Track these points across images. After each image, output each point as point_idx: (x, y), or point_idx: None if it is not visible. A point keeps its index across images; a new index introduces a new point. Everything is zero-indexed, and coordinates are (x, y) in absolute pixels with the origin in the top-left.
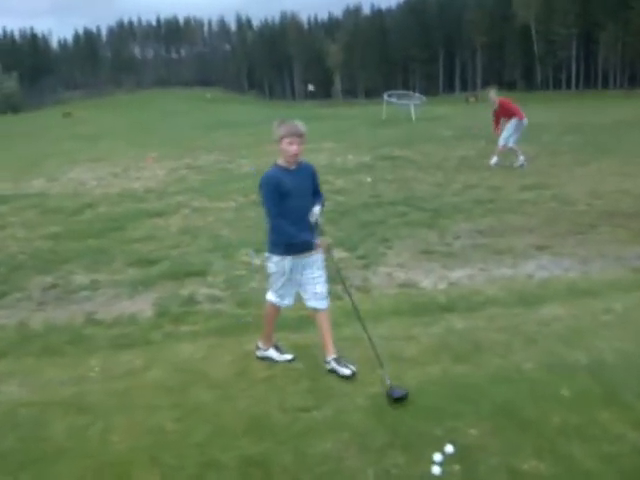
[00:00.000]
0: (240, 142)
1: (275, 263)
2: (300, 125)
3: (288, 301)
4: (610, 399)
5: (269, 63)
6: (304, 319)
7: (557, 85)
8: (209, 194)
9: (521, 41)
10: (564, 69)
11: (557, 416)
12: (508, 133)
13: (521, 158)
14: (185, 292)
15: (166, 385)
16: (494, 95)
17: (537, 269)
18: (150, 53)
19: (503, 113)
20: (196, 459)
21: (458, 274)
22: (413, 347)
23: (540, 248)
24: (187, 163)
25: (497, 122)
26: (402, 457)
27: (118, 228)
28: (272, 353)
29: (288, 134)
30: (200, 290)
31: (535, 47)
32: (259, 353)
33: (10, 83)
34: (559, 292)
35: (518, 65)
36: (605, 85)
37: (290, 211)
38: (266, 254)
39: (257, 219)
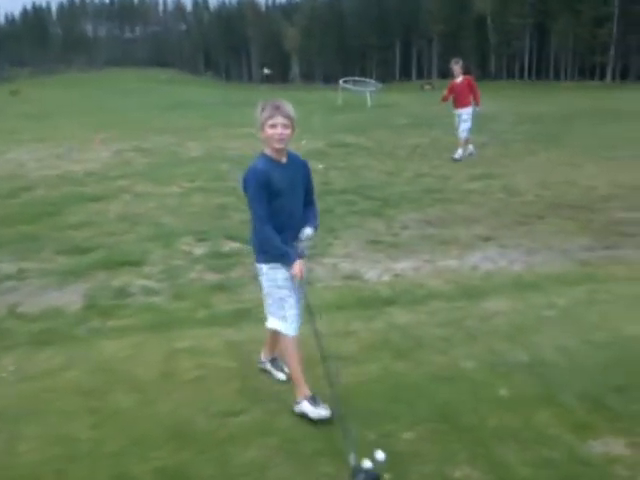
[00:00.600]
0: (192, 124)
1: (267, 275)
2: (286, 105)
3: (296, 322)
4: (548, 400)
5: (226, 45)
6: (239, 313)
7: (511, 75)
8: (153, 178)
9: (477, 31)
10: (518, 59)
11: (494, 418)
12: (469, 124)
13: (471, 147)
14: (118, 283)
15: (84, 388)
16: (459, 69)
17: (482, 261)
18: (103, 32)
19: (464, 92)
20: (108, 471)
21: (403, 265)
22: (353, 343)
23: (486, 239)
24: (135, 145)
25: (447, 98)
26: (332, 465)
27: (53, 213)
28: (305, 407)
29: (271, 115)
30: (134, 281)
31: (490, 37)
32: (296, 409)
33: None
34: (503, 285)
35: (473, 54)
36: (557, 76)
37: (278, 213)
38: (257, 265)
39: (202, 206)
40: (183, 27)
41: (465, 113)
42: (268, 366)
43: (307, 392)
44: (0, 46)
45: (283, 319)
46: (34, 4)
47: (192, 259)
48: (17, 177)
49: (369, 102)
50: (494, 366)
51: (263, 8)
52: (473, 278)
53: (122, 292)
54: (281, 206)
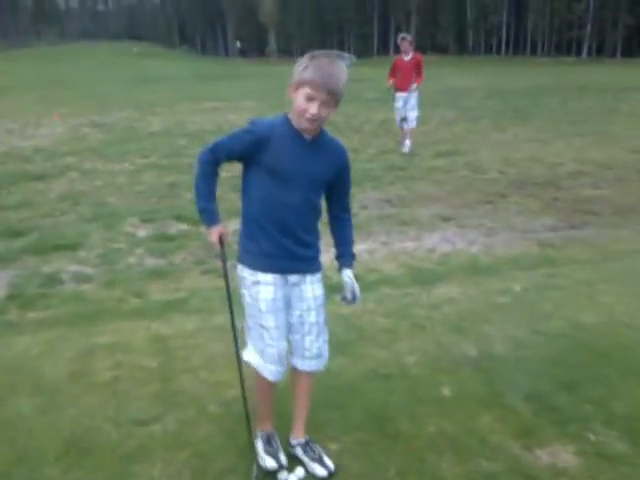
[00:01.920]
0: (159, 99)
1: (247, 287)
2: (339, 75)
3: (276, 364)
4: (493, 400)
5: (201, 18)
6: (173, 303)
7: (488, 50)
8: (105, 155)
9: (455, 5)
10: (495, 34)
11: (432, 424)
12: (417, 113)
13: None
14: (49, 269)
15: None
16: (408, 45)
17: (440, 242)
18: (75, 3)
19: (410, 72)
20: None
21: (358, 248)
22: None
23: (446, 219)
24: (93, 120)
25: (392, 77)
26: None
27: None
28: (258, 445)
29: (311, 82)
30: (67, 267)
31: (468, 11)
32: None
33: None
34: (458, 269)
35: (451, 29)
36: (534, 52)
37: (275, 205)
38: (238, 266)
39: (153, 184)
40: (157, 0)
41: (413, 97)
42: (300, 452)
43: (268, 428)
44: None
45: (260, 353)
46: None
47: (134, 242)
48: None
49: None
50: (439, 361)
51: None
52: (428, 261)
53: (51, 279)
54: (283, 197)
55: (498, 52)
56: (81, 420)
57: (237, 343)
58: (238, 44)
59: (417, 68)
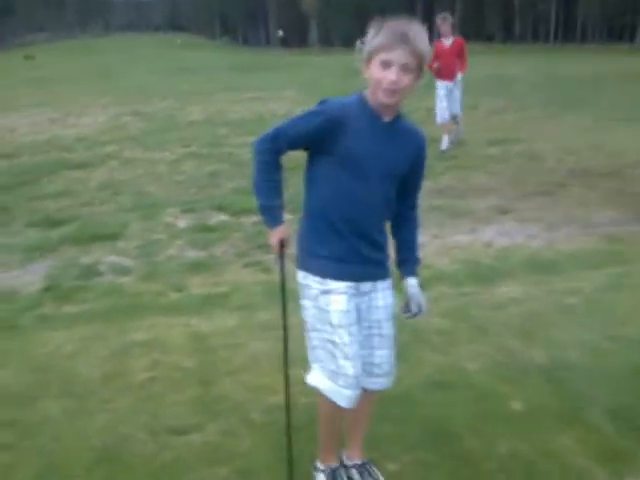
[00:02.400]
0: (198, 89)
1: (312, 298)
2: (418, 33)
3: (352, 388)
4: (572, 417)
5: (243, 9)
6: (213, 298)
7: (536, 38)
8: (145, 144)
9: None
10: (543, 22)
11: (503, 444)
12: (445, 103)
13: (446, 137)
14: (87, 260)
15: (11, 392)
16: (448, 28)
17: (497, 236)
18: None
19: (452, 58)
20: None
21: None
22: None
23: (503, 211)
24: (134, 109)
25: (434, 65)
26: None
27: (31, 181)
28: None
29: (387, 44)
30: (106, 258)
31: None
32: (314, 473)
33: None
34: (519, 266)
35: (497, 17)
36: (584, 38)
37: (349, 202)
38: (299, 272)
39: (193, 173)
40: None
41: (457, 88)
42: (356, 476)
43: (334, 461)
44: (16, 11)
45: (333, 376)
46: None
47: (174, 233)
48: (4, 143)
49: None
50: (504, 369)
51: None
52: (485, 257)
53: (89, 271)
54: (358, 191)
55: (547, 40)
56: (113, 427)
57: (287, 344)
58: (280, 33)
59: (460, 54)
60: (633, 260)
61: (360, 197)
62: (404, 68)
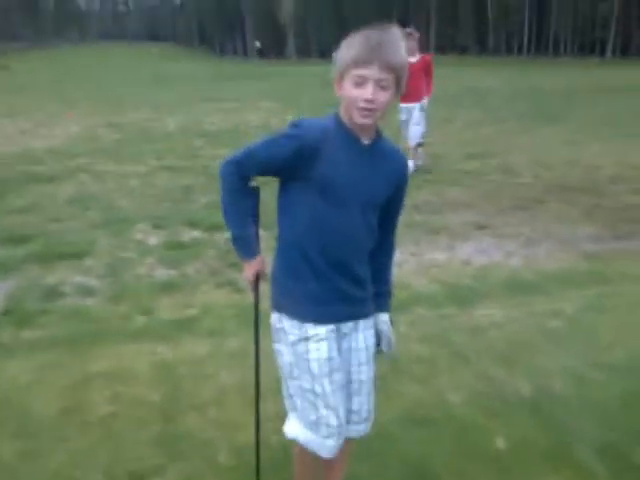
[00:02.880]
0: (175, 99)
1: (288, 343)
2: (394, 43)
3: (334, 437)
4: (559, 454)
5: (220, 19)
6: (183, 323)
7: (510, 50)
8: (118, 156)
9: (476, 5)
10: (517, 35)
11: None
12: (422, 128)
13: (420, 150)
14: (52, 280)
15: None
16: (415, 44)
17: (475, 253)
18: (96, 5)
19: (419, 76)
20: None
21: None
22: None
23: (480, 227)
24: (108, 120)
25: (418, 80)
26: None
27: None
28: None
29: (360, 58)
30: (71, 278)
31: (489, 11)
32: None
33: None
34: (498, 286)
35: (471, 30)
36: (556, 52)
37: (327, 231)
38: (273, 314)
39: (167, 187)
40: (177, 1)
41: (418, 108)
42: None
43: None
44: None
45: (313, 427)
46: None
47: (144, 250)
48: None
49: None
50: (487, 401)
51: None
52: (464, 276)
53: (53, 292)
54: (338, 220)
55: (520, 52)
56: (69, 471)
57: (258, 377)
58: (257, 44)
59: (426, 72)
60: (613, 280)
61: (339, 227)
62: (380, 84)
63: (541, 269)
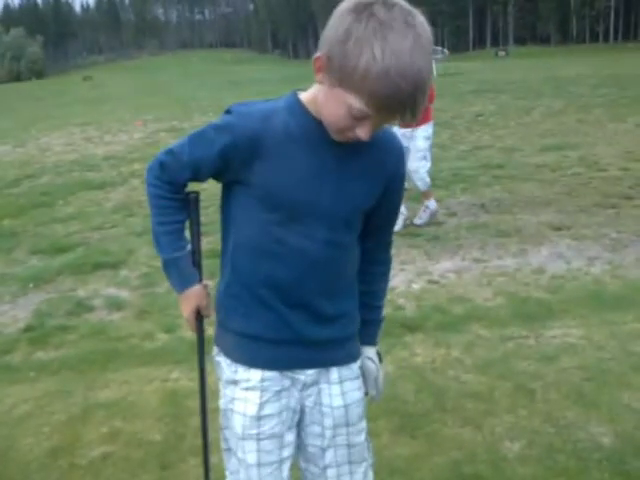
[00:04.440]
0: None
1: (224, 381)
2: (419, 83)
3: None
4: None
5: (293, 22)
6: (209, 342)
7: (594, 38)
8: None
9: None
10: (602, 21)
11: None
12: (428, 163)
13: (432, 203)
14: (84, 293)
15: None
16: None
17: (551, 259)
18: (173, 15)
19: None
20: None
21: (443, 267)
22: None
23: (557, 228)
24: (172, 125)
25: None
26: None
27: (45, 204)
28: None
29: (374, 95)
30: (103, 290)
31: None
32: None
33: (34, 49)
34: (578, 299)
35: (552, 18)
36: None
37: (275, 255)
38: (214, 344)
39: (214, 192)
40: (251, 7)
41: (422, 137)
42: None
43: None
44: (77, 35)
45: None
46: None
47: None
48: (32, 163)
49: (435, 71)
50: (555, 455)
51: None
52: (535, 287)
53: (81, 306)
54: (291, 240)
55: (606, 40)
56: None
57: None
58: None
59: None
60: None
61: (291, 252)
62: (384, 121)
63: (629, 278)
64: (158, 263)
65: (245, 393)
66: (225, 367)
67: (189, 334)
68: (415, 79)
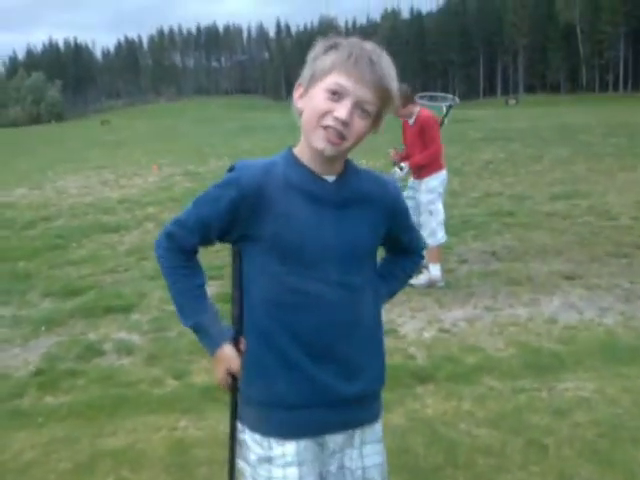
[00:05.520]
0: (257, 147)
1: (252, 461)
2: (381, 64)
3: None
4: None
5: None
6: (211, 391)
7: (604, 87)
8: (186, 204)
9: (565, 41)
10: (611, 70)
11: None
12: (441, 216)
13: (437, 270)
14: (94, 337)
15: None
16: (407, 100)
17: (563, 309)
18: (190, 61)
19: (416, 142)
20: None
21: (455, 315)
22: None
23: (569, 277)
24: (187, 169)
25: (414, 149)
26: None
27: (60, 247)
28: None
29: (340, 64)
30: (114, 334)
31: (580, 47)
32: None
33: (53, 92)
34: (590, 351)
35: (562, 67)
36: None
37: (295, 307)
38: (239, 425)
39: None
40: (266, 55)
41: (425, 190)
42: None
43: None
44: (97, 79)
45: None
46: (126, 37)
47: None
48: (48, 205)
49: (445, 118)
50: None
51: (343, 30)
52: (548, 338)
53: (92, 350)
54: (308, 288)
55: (615, 89)
56: None
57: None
58: None
59: (421, 138)
60: None
61: (309, 295)
62: (361, 107)
63: None
64: (170, 307)
65: (283, 471)
66: (253, 444)
67: (198, 381)
68: (370, 67)
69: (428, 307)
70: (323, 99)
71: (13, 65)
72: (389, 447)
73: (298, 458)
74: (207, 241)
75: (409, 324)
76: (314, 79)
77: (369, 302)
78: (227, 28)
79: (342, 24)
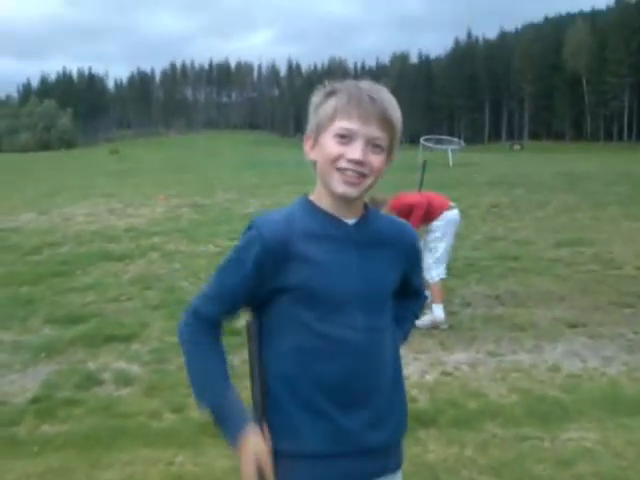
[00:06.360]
0: (264, 182)
1: None
2: (386, 98)
3: None
4: None
5: None
6: (209, 426)
7: (608, 136)
8: (192, 236)
9: (571, 91)
10: (616, 120)
11: None
12: (438, 253)
13: (440, 311)
14: (94, 365)
15: None
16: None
17: (566, 357)
18: (201, 96)
19: (421, 216)
20: None
21: (458, 359)
22: None
23: (573, 325)
24: (194, 201)
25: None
26: None
27: (64, 273)
28: None
29: (344, 109)
30: (114, 363)
31: (586, 97)
32: None
33: (64, 120)
34: (594, 400)
35: (567, 115)
36: None
37: (323, 355)
38: None
39: None
40: (276, 91)
41: (432, 229)
42: None
43: None
44: (109, 109)
45: None
46: (139, 70)
47: None
48: (53, 232)
49: (451, 161)
50: None
51: (352, 72)
52: (550, 386)
53: (90, 379)
54: (336, 335)
55: (620, 138)
56: None
57: None
58: None
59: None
60: None
61: (335, 340)
62: (373, 143)
63: None
64: (171, 338)
65: None
66: None
67: (197, 415)
68: (373, 105)
69: (431, 349)
70: (334, 144)
71: (26, 92)
72: None
73: None
74: (233, 310)
75: (412, 365)
76: (320, 128)
77: (390, 346)
78: (239, 65)
79: (351, 66)
